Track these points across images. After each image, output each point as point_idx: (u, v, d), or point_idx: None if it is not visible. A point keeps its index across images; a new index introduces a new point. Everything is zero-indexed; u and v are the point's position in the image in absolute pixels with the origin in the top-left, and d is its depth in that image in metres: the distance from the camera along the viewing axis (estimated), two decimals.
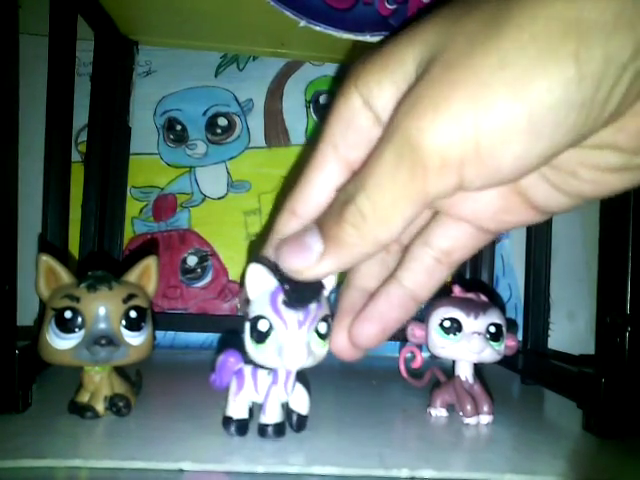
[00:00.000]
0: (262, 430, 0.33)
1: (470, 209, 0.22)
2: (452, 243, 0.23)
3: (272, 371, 0.32)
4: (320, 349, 0.29)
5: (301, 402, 0.34)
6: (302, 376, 0.33)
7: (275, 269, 0.26)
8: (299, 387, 0.33)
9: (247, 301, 0.29)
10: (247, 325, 0.29)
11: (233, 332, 0.30)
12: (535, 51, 0.15)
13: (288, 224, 0.23)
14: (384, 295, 0.24)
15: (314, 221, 0.21)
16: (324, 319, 0.29)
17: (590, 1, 0.15)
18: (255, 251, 0.62)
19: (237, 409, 0.33)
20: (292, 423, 0.34)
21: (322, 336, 0.29)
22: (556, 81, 0.15)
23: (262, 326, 0.28)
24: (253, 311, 0.29)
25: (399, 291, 0.24)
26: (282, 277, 0.25)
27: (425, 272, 0.24)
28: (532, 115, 0.16)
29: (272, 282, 0.28)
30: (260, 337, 0.28)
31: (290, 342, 0.28)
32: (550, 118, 0.16)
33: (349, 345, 0.25)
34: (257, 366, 0.33)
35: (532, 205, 0.21)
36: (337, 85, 0.64)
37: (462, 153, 0.16)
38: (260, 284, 0.28)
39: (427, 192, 0.18)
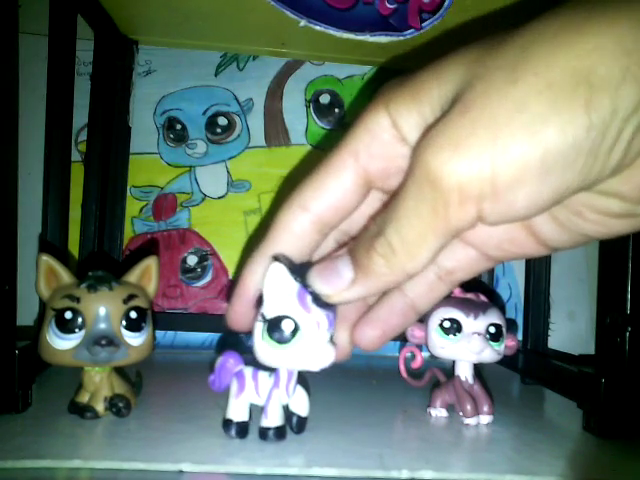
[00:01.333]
0: (263, 433, 0.33)
1: (478, 236, 0.23)
2: (456, 264, 0.25)
3: (273, 373, 0.32)
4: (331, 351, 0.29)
5: (301, 404, 0.34)
6: (301, 378, 0.33)
7: (296, 269, 0.26)
8: (299, 389, 0.33)
9: (259, 302, 0.28)
10: (262, 326, 0.28)
11: (232, 333, 0.29)
12: (550, 98, 0.16)
13: (296, 217, 0.24)
14: (387, 302, 0.26)
15: (346, 250, 0.23)
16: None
17: (601, 56, 0.16)
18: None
19: (237, 411, 0.33)
20: (292, 425, 0.34)
21: (331, 338, 0.29)
22: (568, 127, 0.16)
23: (286, 326, 0.27)
24: (272, 311, 0.28)
25: (401, 300, 0.26)
26: (304, 278, 0.25)
27: (427, 286, 0.26)
28: (545, 157, 0.17)
29: (293, 282, 0.26)
30: (283, 338, 0.27)
31: (320, 342, 0.27)
32: (561, 161, 0.17)
33: (343, 352, 0.28)
34: (258, 368, 0.32)
35: (537, 239, 0.22)
36: (337, 85, 0.65)
37: (480, 189, 0.17)
38: (280, 284, 0.27)
39: (450, 225, 0.19)
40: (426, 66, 0.21)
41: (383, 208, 0.22)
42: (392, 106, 0.21)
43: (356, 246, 0.22)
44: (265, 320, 0.28)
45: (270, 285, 0.27)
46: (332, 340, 0.28)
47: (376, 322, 0.26)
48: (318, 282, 0.24)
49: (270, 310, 0.28)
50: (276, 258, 0.26)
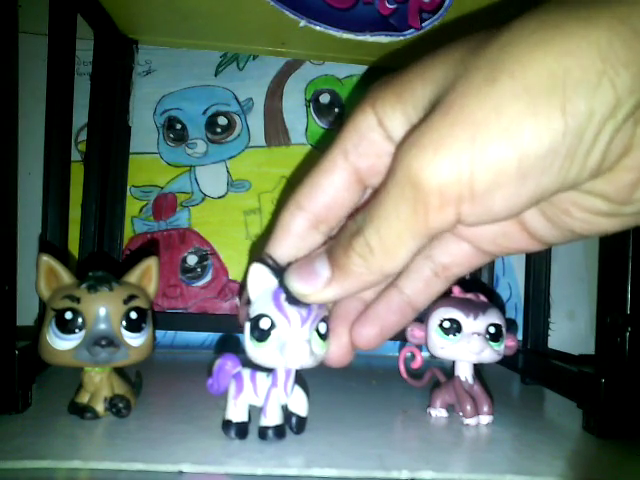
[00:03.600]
0: (262, 433, 0.33)
1: (472, 231, 0.23)
2: (452, 259, 0.25)
3: (271, 373, 0.32)
4: (320, 350, 0.29)
5: (300, 404, 0.34)
6: (300, 378, 0.33)
7: (276, 269, 0.26)
8: (297, 389, 0.33)
9: (248, 301, 0.29)
10: (247, 325, 0.29)
11: (230, 334, 0.30)
12: (526, 101, 0.16)
13: (294, 217, 0.25)
14: (384, 300, 0.26)
15: (324, 249, 0.23)
16: (323, 320, 0.29)
17: (578, 58, 0.16)
18: (257, 248, 0.62)
19: (237, 412, 0.33)
20: (291, 425, 0.34)
21: (322, 336, 0.29)
22: (544, 131, 0.16)
23: (263, 324, 0.28)
24: (254, 310, 0.29)
25: (398, 298, 0.26)
26: (283, 277, 0.25)
27: (423, 283, 0.26)
28: (521, 161, 0.17)
29: (273, 281, 0.27)
30: (261, 335, 0.28)
31: (293, 339, 0.28)
32: (537, 165, 0.17)
33: (344, 351, 0.27)
34: (256, 369, 0.33)
35: (530, 234, 0.22)
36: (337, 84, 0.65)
37: (459, 192, 0.17)
38: (261, 284, 0.28)
39: (429, 227, 0.19)
40: (412, 65, 0.21)
41: (363, 207, 0.22)
42: (378, 105, 0.21)
43: (334, 245, 0.22)
44: (250, 319, 0.29)
45: (251, 285, 0.28)
46: (322, 337, 0.29)
47: (373, 320, 0.26)
48: (295, 281, 0.24)
49: (253, 309, 0.29)
50: (260, 259, 0.27)
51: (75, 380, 0.37)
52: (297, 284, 0.23)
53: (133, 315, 0.35)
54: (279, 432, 0.33)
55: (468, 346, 0.38)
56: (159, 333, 0.60)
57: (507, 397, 0.49)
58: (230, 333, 0.59)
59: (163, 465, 0.29)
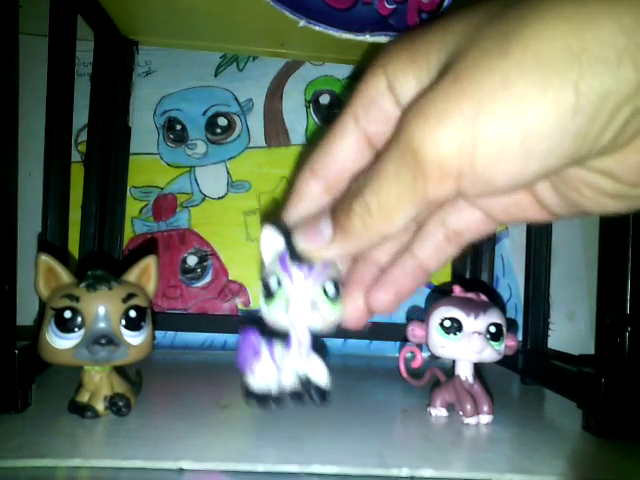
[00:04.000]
0: (278, 399, 0.33)
1: (484, 200, 0.24)
2: (464, 226, 0.25)
3: (286, 340, 0.33)
4: (328, 310, 0.29)
5: (320, 374, 0.34)
6: (321, 351, 0.33)
7: (285, 230, 0.27)
8: (316, 359, 0.33)
9: (263, 265, 0.30)
10: (261, 285, 0.30)
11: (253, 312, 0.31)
12: (537, 75, 0.16)
13: (309, 183, 0.25)
14: (398, 265, 0.27)
15: (329, 209, 0.23)
16: (333, 281, 0.29)
17: (597, 34, 0.15)
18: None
19: (256, 382, 0.34)
20: (312, 395, 0.34)
21: (330, 297, 0.29)
22: (552, 109, 0.16)
23: (272, 283, 0.29)
24: (266, 272, 0.29)
25: (412, 262, 0.26)
26: (290, 237, 0.26)
27: (435, 247, 0.26)
28: (525, 139, 0.16)
29: (281, 243, 0.28)
30: (269, 294, 0.29)
31: (295, 295, 0.28)
32: (543, 144, 0.16)
33: (359, 313, 0.28)
34: (273, 339, 0.33)
35: (541, 205, 0.22)
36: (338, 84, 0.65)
37: (459, 166, 0.17)
38: (273, 246, 0.29)
39: (427, 196, 0.19)
40: (428, 28, 0.20)
41: (367, 170, 0.22)
42: (390, 69, 0.21)
43: (337, 206, 0.22)
44: (261, 280, 0.29)
45: (263, 247, 0.29)
46: (331, 300, 0.29)
47: (389, 285, 0.27)
48: (300, 239, 0.25)
49: (265, 271, 0.29)
50: (272, 222, 0.28)
51: (75, 379, 0.37)
52: (302, 242, 0.25)
53: (132, 314, 0.35)
54: (296, 397, 0.33)
55: (469, 345, 0.38)
56: (159, 334, 0.60)
57: (507, 397, 0.49)
58: (230, 334, 0.60)
59: (163, 463, 0.29)
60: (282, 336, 0.32)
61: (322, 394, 0.34)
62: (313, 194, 0.25)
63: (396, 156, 0.19)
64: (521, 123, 0.16)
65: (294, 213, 0.26)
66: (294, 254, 0.26)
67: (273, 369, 0.33)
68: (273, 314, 0.30)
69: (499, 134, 0.16)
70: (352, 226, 0.21)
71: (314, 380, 0.34)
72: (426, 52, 0.20)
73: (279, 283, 0.29)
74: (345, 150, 0.24)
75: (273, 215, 0.28)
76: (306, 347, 0.32)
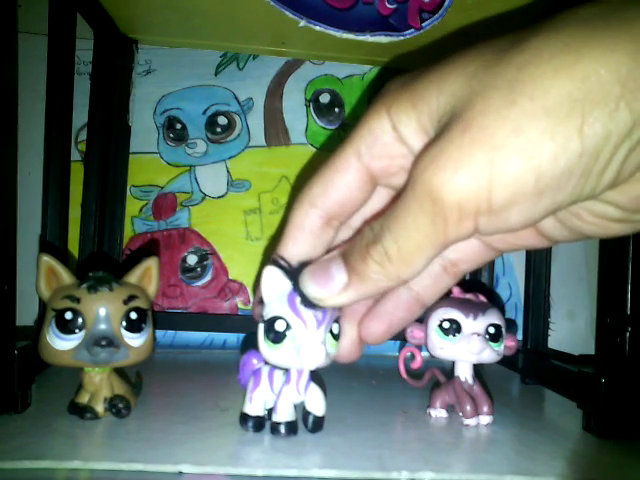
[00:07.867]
0: (274, 428, 0.33)
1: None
2: (460, 256, 0.26)
3: (286, 371, 0.33)
4: (333, 349, 0.30)
5: (317, 403, 0.34)
6: (317, 377, 0.34)
7: (290, 271, 0.27)
8: (314, 388, 0.34)
9: (261, 302, 0.30)
10: (262, 326, 0.30)
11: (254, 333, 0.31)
12: (545, 123, 0.17)
13: (308, 215, 0.25)
14: (393, 297, 0.27)
15: (339, 253, 0.23)
16: (336, 320, 0.29)
17: (597, 83, 0.17)
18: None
19: (254, 407, 0.34)
20: (308, 424, 0.34)
21: (335, 336, 0.29)
22: (562, 152, 0.17)
23: (279, 326, 0.29)
24: (269, 312, 0.29)
25: (407, 294, 0.27)
26: (297, 279, 0.25)
27: (432, 279, 0.26)
28: (539, 180, 0.18)
29: (287, 284, 0.28)
30: (277, 337, 0.29)
31: (309, 341, 0.28)
32: (554, 183, 0.18)
33: (353, 347, 0.28)
34: (274, 366, 0.33)
35: (539, 232, 0.23)
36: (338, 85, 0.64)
37: (477, 207, 0.18)
38: (275, 286, 0.29)
39: (447, 238, 0.20)
40: (427, 68, 0.21)
41: (378, 215, 0.23)
42: (393, 111, 0.22)
43: (350, 250, 0.23)
44: (264, 321, 0.29)
45: (265, 287, 0.29)
46: (335, 338, 0.29)
47: (382, 317, 0.27)
48: (310, 285, 0.24)
49: (267, 311, 0.29)
50: (274, 261, 0.27)
51: (75, 380, 0.37)
52: (313, 288, 0.24)
53: (133, 315, 0.35)
54: (290, 428, 0.33)
55: (468, 346, 0.38)
56: (159, 333, 0.60)
57: (507, 397, 0.49)
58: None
59: (163, 466, 0.29)
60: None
61: (317, 423, 0.34)
62: (313, 227, 0.25)
63: (414, 204, 0.19)
64: (535, 166, 0.17)
65: (293, 247, 0.26)
66: (305, 298, 0.25)
67: (271, 397, 0.34)
68: (279, 357, 0.30)
69: (515, 177, 0.18)
70: (370, 272, 0.22)
71: (310, 410, 0.34)
72: (427, 97, 0.21)
73: (287, 327, 0.29)
74: (347, 184, 0.24)
75: (273, 249, 0.27)
76: (305, 382, 0.33)
